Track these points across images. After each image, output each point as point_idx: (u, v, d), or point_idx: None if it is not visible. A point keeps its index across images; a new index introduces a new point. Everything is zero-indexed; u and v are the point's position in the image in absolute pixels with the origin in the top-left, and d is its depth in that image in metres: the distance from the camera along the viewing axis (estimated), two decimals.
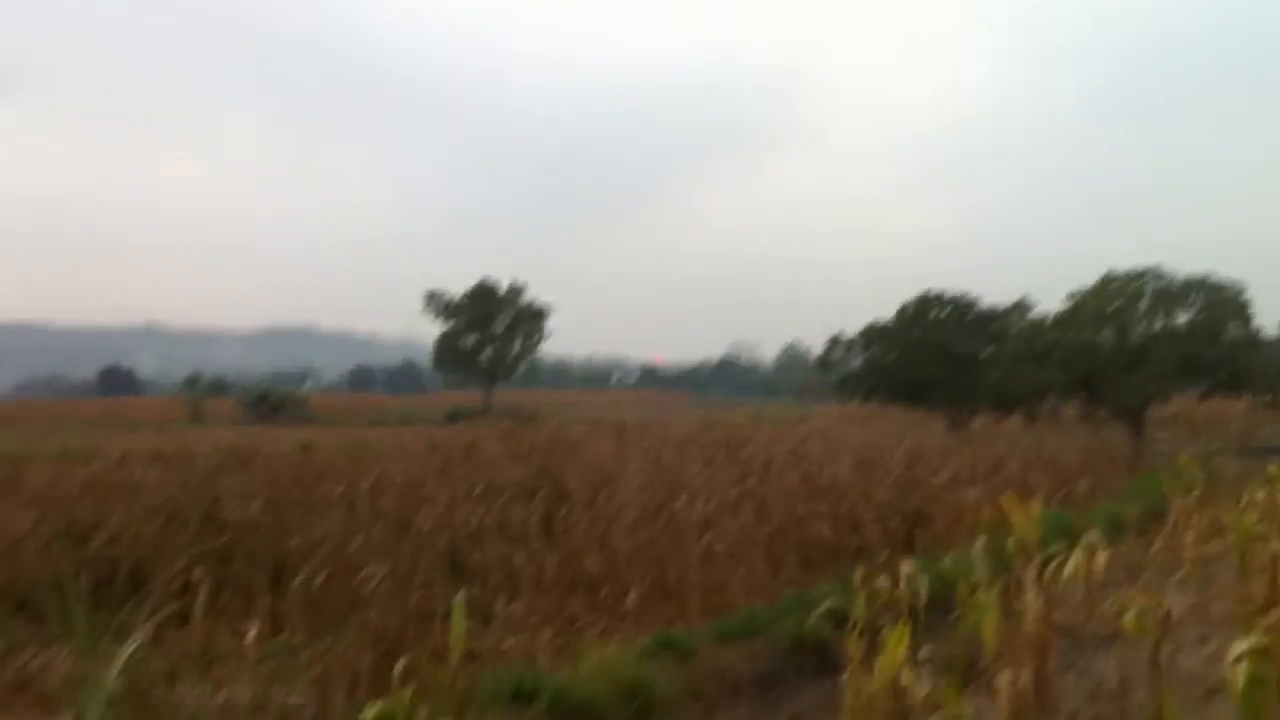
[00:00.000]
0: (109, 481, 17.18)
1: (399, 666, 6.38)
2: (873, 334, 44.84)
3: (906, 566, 9.41)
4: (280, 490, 15.59)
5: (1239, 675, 5.44)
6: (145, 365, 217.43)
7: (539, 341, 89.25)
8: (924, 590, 9.21)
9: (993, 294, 45.67)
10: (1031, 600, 8.61)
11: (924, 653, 7.55)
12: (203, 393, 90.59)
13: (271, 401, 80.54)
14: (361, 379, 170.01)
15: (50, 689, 8.73)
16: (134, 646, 4.46)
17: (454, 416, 67.87)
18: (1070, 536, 13.06)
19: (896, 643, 6.03)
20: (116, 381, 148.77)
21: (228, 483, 15.89)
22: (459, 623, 6.66)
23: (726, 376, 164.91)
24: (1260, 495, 13.78)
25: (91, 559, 12.06)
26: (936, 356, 41.72)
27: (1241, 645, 5.75)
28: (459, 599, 6.68)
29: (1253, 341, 35.06)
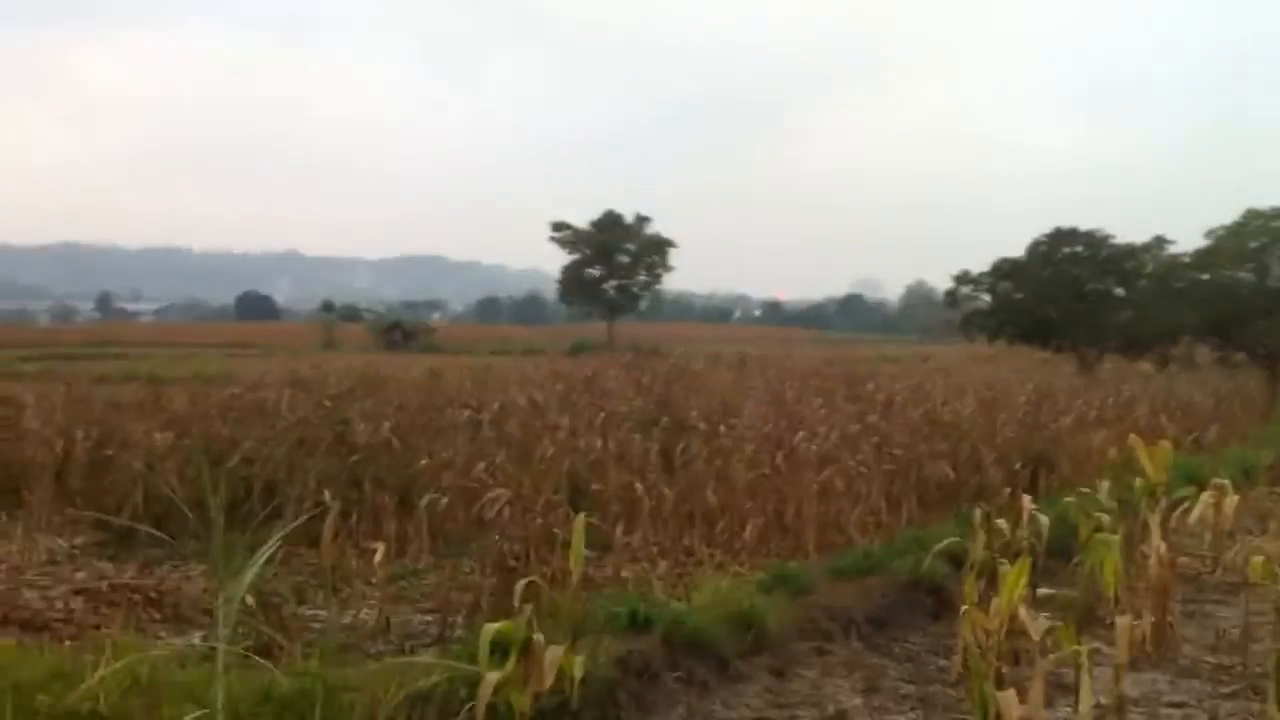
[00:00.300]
0: (244, 404, 17.71)
1: (519, 588, 6.56)
2: (1002, 271, 43.98)
3: (1027, 504, 9.34)
4: (408, 415, 15.93)
5: None
6: (283, 291, 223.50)
7: (663, 274, 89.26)
8: (1045, 530, 9.13)
9: (1129, 231, 44.31)
10: (1155, 545, 8.49)
11: (1042, 593, 7.52)
12: (336, 319, 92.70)
13: (402, 330, 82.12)
14: (488, 309, 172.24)
15: (185, 604, 9.16)
16: (264, 563, 4.64)
17: (578, 348, 68.44)
18: (1199, 482, 12.79)
19: (1015, 581, 5.99)
20: (254, 306, 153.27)
21: (358, 407, 16.27)
22: (578, 548, 6.82)
23: (851, 314, 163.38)
24: None
25: (226, 479, 12.51)
26: (1067, 295, 40.77)
27: None
28: (579, 525, 6.82)
29: None
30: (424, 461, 12.28)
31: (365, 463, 12.46)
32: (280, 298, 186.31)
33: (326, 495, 10.31)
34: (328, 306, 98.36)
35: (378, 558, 8.56)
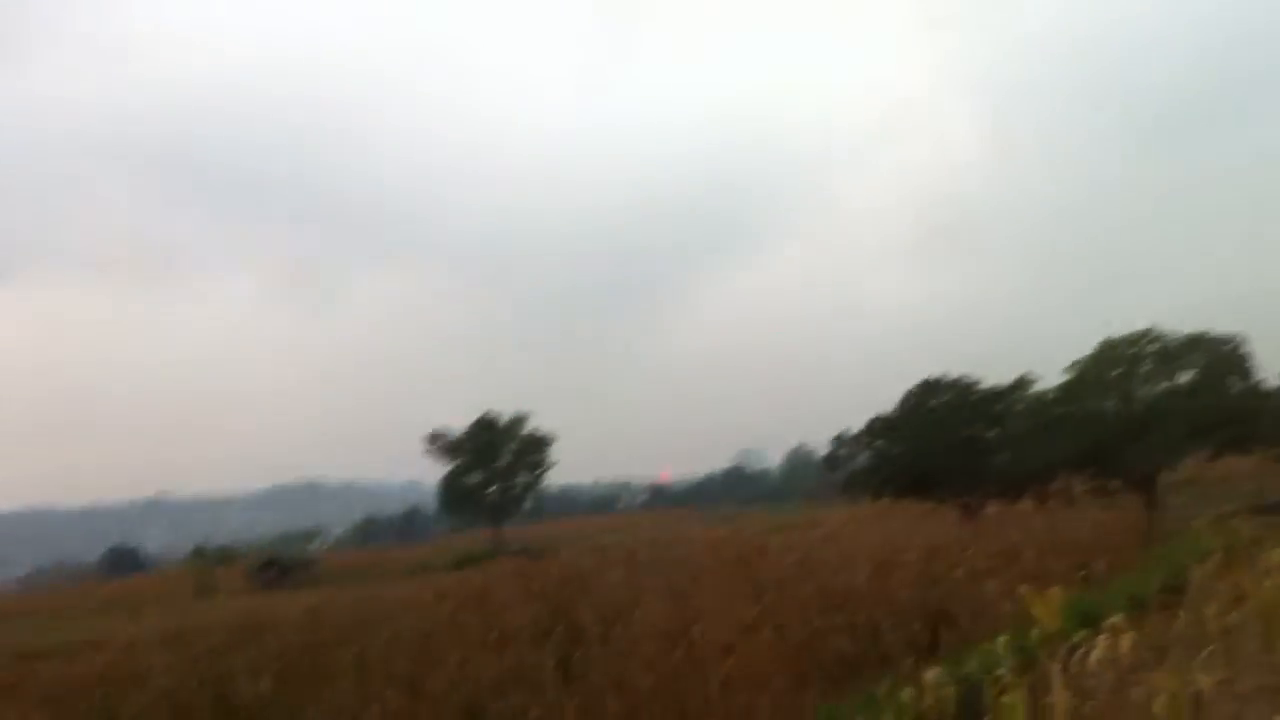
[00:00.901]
0: (117, 672, 16.87)
1: None
2: (876, 427, 44.55)
3: (930, 675, 9.21)
4: (290, 662, 15.31)
5: None
6: (154, 538, 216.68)
7: (544, 472, 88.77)
8: (950, 704, 9.00)
9: (995, 374, 45.34)
10: (1058, 697, 8.40)
11: None
12: (210, 563, 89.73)
13: (279, 565, 79.82)
14: (369, 530, 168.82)
15: None
16: None
17: (463, 561, 67.29)
18: (1093, 620, 12.86)
19: None
20: (121, 561, 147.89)
21: (236, 660, 15.59)
22: None
23: (734, 486, 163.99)
24: (1278, 558, 13.56)
25: None
26: (942, 444, 41.40)
27: None
28: None
29: (1257, 395, 34.95)
30: (308, 716, 11.72)
31: None
32: (152, 545, 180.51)
33: None
34: (199, 552, 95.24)
35: None
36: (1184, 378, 35.57)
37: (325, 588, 56.68)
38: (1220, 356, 34.72)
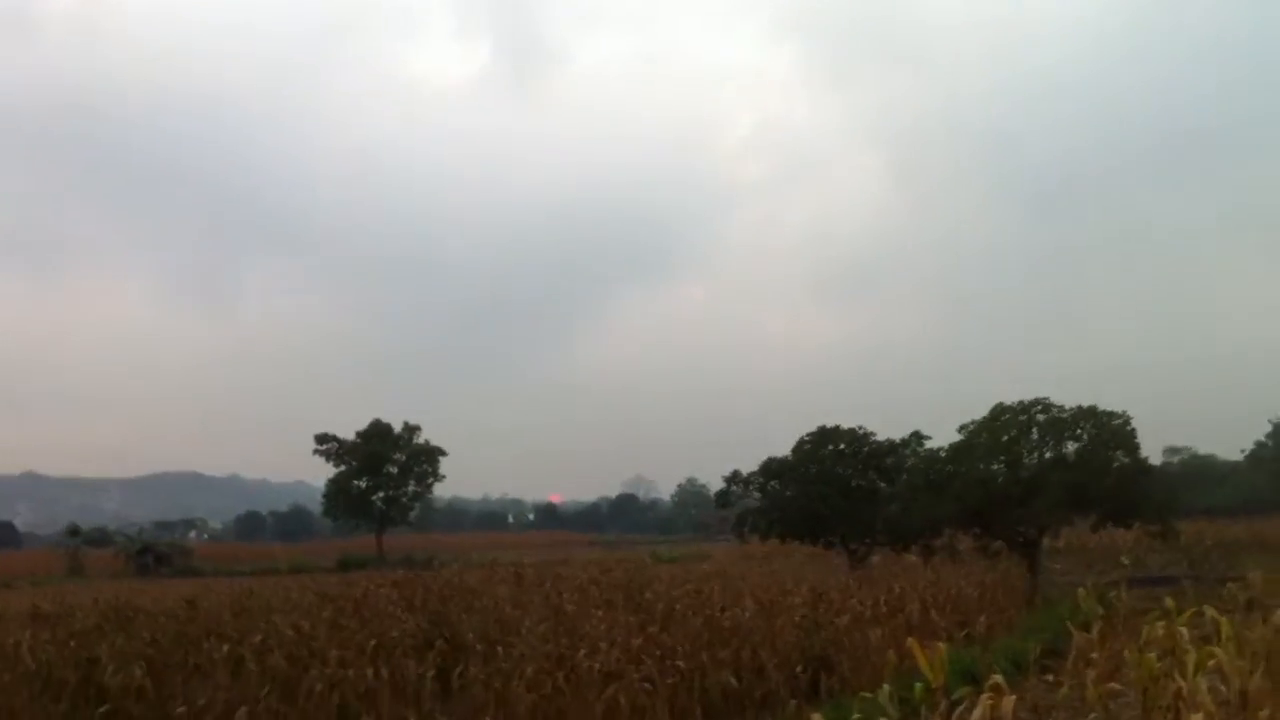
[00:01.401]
0: None
1: None
2: (770, 470, 44.92)
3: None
4: (163, 652, 14.89)
5: None
6: (22, 515, 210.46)
7: (433, 483, 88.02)
8: None
9: (888, 427, 46.00)
10: None
11: None
12: (82, 544, 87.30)
13: (155, 553, 78.06)
14: (250, 525, 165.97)
15: None
16: None
17: (346, 564, 66.38)
18: (974, 678, 13.04)
19: None
20: None
21: (107, 645, 15.12)
22: None
23: (624, 514, 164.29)
24: (1158, 630, 13.85)
25: None
26: (834, 490, 41.87)
27: None
28: None
29: (1140, 470, 35.83)
30: (181, 709, 11.37)
31: (117, 709, 11.47)
32: (20, 523, 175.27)
33: None
34: (73, 531, 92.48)
35: None
36: (1071, 448, 36.38)
37: (203, 578, 55.51)
38: (1107, 430, 35.54)
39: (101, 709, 11.48)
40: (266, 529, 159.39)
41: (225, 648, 14.96)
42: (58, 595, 29.97)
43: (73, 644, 15.39)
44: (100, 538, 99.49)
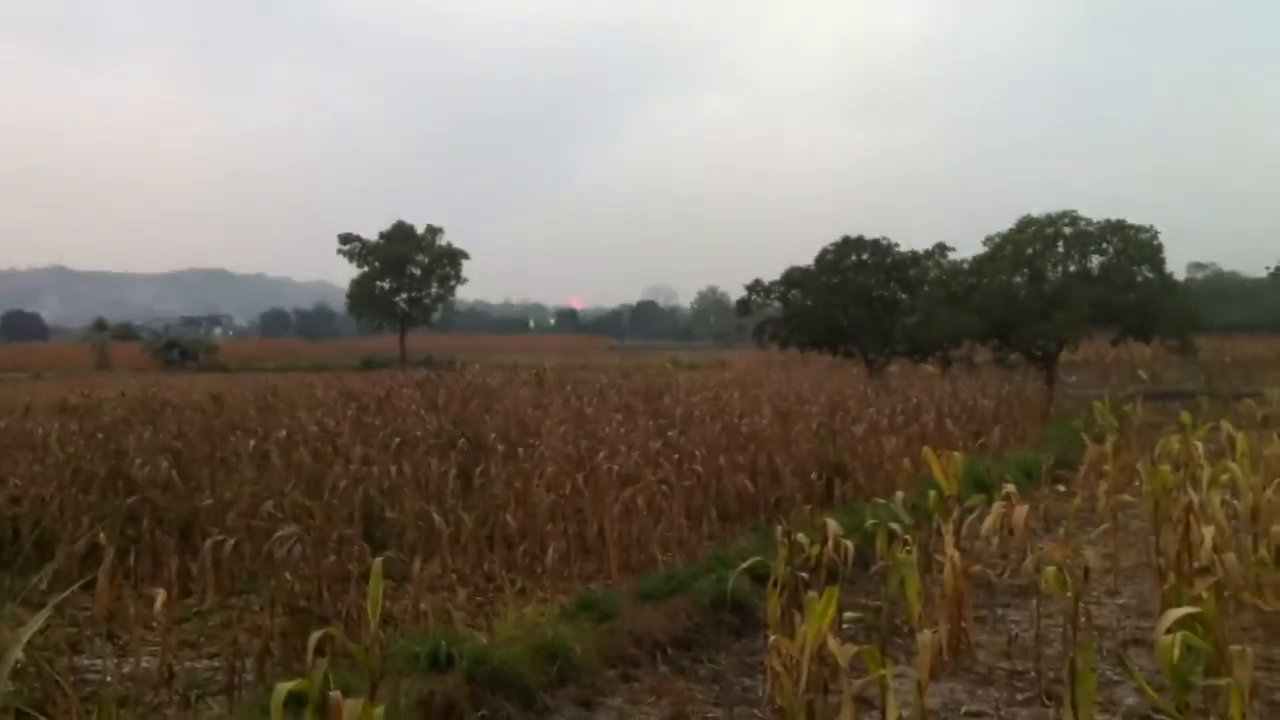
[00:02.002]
0: (10, 436, 16.62)
1: (312, 641, 6.16)
2: (792, 279, 44.87)
3: (832, 525, 9.39)
4: (189, 445, 15.19)
5: (1172, 645, 5.42)
6: (52, 308, 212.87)
7: (456, 285, 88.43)
8: (849, 554, 9.21)
9: (912, 237, 45.71)
10: (950, 555, 8.65)
11: (848, 617, 7.54)
12: (110, 338, 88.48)
13: (181, 348, 79.09)
14: (274, 322, 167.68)
15: None
16: (39, 618, 4.19)
17: (369, 364, 67.15)
18: (987, 487, 13.22)
19: (823, 611, 5.95)
20: (21, 326, 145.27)
21: (134, 437, 15.41)
22: (375, 595, 6.45)
23: (644, 320, 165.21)
24: (1173, 444, 13.99)
25: None
26: (855, 302, 41.91)
27: (1174, 614, 5.75)
28: (375, 570, 6.47)
29: (1164, 286, 35.67)
30: (208, 501, 11.64)
31: (144, 499, 11.72)
32: (47, 315, 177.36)
33: (102, 536, 9.66)
34: (101, 325, 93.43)
35: (158, 605, 7.99)
36: (1096, 262, 36.18)
37: (229, 373, 56.27)
38: (1134, 244, 35.27)
39: (129, 500, 11.73)
40: (290, 327, 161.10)
41: (251, 442, 15.26)
42: (85, 387, 30.44)
43: (100, 436, 15.70)
44: (127, 332, 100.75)
